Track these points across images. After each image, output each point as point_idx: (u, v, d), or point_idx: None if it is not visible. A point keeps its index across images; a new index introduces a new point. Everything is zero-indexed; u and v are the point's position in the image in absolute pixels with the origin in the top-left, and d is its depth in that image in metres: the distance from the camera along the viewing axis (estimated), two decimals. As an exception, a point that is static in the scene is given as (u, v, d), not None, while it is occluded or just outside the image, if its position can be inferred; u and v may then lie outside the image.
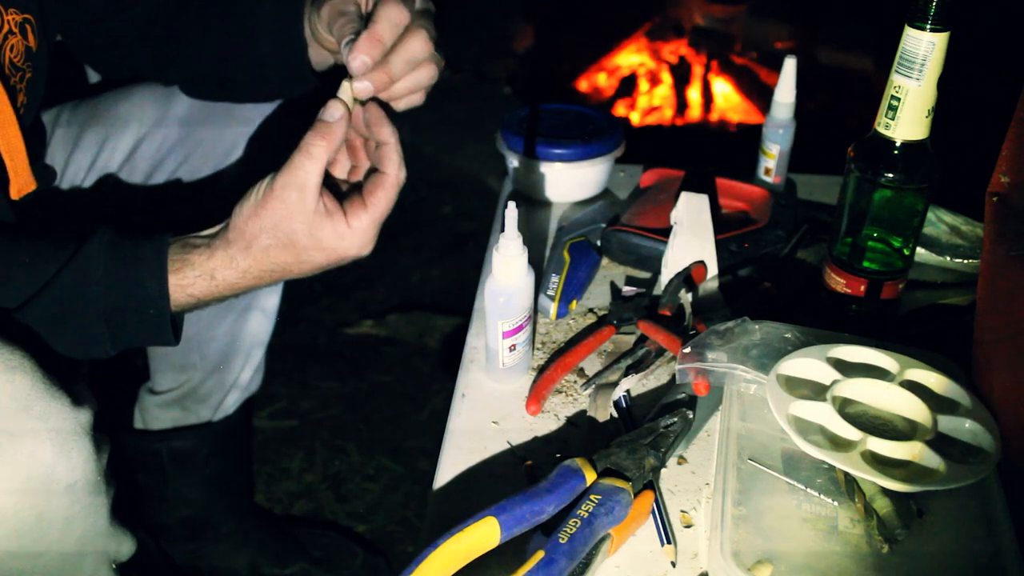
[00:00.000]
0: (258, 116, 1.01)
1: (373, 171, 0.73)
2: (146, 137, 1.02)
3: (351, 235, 0.71)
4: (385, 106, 0.74)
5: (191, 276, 0.72)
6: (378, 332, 1.78)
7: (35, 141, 0.88)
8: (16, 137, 0.78)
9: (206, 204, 1.04)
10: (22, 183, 0.80)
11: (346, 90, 0.72)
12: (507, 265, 0.78)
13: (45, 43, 0.83)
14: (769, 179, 1.12)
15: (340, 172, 0.77)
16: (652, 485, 0.70)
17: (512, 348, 0.81)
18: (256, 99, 0.99)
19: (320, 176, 0.69)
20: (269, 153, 1.03)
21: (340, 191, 0.75)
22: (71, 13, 0.88)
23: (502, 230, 0.77)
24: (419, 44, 0.73)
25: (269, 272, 0.73)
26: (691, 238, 0.94)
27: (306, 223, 0.70)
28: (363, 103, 0.73)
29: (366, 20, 0.75)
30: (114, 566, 0.73)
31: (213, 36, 0.90)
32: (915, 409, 0.71)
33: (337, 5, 0.78)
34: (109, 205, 1.02)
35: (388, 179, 0.71)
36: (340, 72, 0.75)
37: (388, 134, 0.71)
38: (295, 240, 0.70)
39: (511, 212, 0.76)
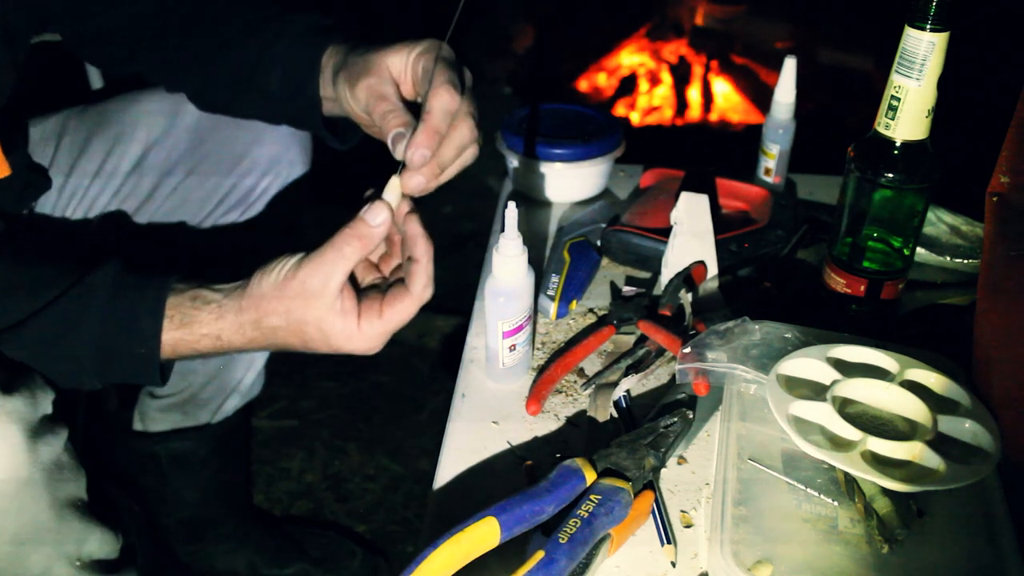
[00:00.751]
0: (268, 127, 1.00)
1: (400, 280, 0.72)
2: (155, 145, 1.01)
3: (360, 338, 0.70)
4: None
5: (198, 334, 0.71)
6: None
7: (11, 131, 0.86)
8: None
9: (212, 217, 1.05)
10: None
11: (394, 187, 0.70)
12: (507, 265, 0.78)
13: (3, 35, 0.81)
14: (769, 179, 1.12)
15: (372, 256, 0.77)
16: (652, 485, 0.70)
17: (512, 348, 0.81)
18: (266, 122, 0.98)
19: (345, 274, 0.68)
20: (278, 165, 1.04)
21: (361, 288, 0.74)
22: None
23: (502, 230, 0.77)
24: (467, 132, 0.72)
25: (274, 346, 0.72)
26: (691, 238, 0.94)
27: (319, 319, 0.69)
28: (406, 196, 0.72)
29: (411, 105, 0.74)
30: (79, 563, 0.71)
31: (228, 57, 0.88)
32: (915, 409, 0.71)
33: (375, 88, 0.75)
34: (114, 214, 1.02)
35: (411, 296, 0.70)
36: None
37: (422, 252, 0.70)
38: (305, 331, 0.70)
39: (511, 212, 0.76)
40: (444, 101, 0.70)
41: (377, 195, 0.71)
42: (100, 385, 0.74)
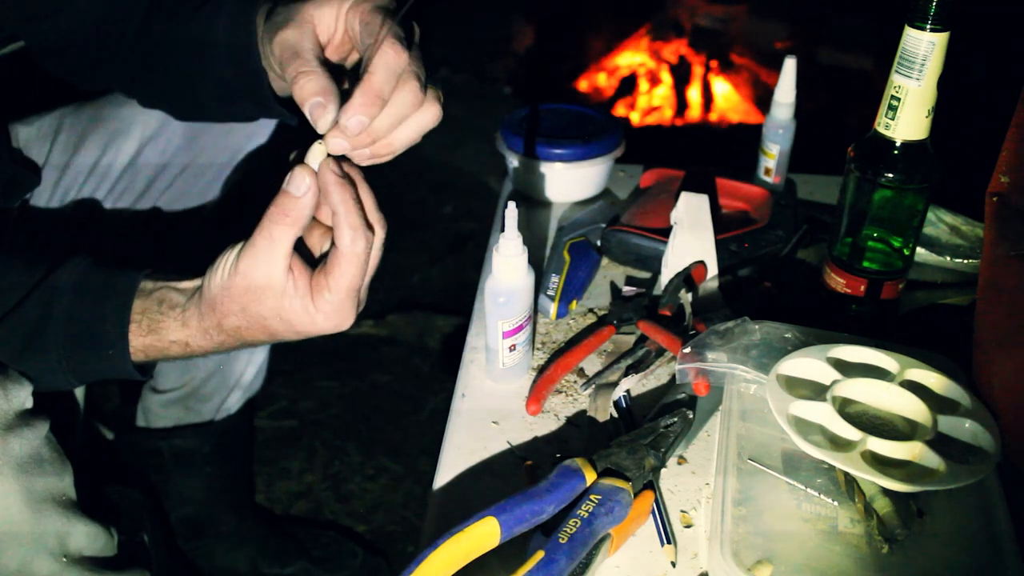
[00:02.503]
0: (263, 122, 1.00)
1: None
2: (150, 141, 1.01)
3: (322, 317, 0.64)
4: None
5: (166, 340, 0.68)
6: (378, 332, 1.78)
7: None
8: None
9: (207, 212, 1.04)
10: None
11: (317, 153, 0.63)
12: (507, 265, 0.78)
13: None
14: (769, 179, 1.12)
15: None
16: (652, 485, 0.70)
17: (512, 348, 0.81)
18: (238, 121, 0.94)
19: (287, 258, 0.63)
20: (272, 159, 1.03)
21: (316, 257, 0.68)
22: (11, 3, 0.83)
23: (502, 230, 0.77)
24: (410, 96, 0.63)
25: (245, 344, 0.68)
26: (691, 238, 0.94)
27: (275, 308, 0.64)
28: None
29: (350, 69, 0.68)
30: (65, 559, 0.69)
31: (179, 56, 0.83)
32: (915, 409, 0.71)
33: (290, 41, 0.67)
34: (108, 211, 1.02)
35: (342, 254, 0.62)
36: None
37: (336, 201, 0.62)
38: (266, 324, 0.65)
39: (511, 212, 0.76)
40: (389, 59, 0.61)
41: (299, 161, 0.63)
42: (79, 384, 0.72)
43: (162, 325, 0.68)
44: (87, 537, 0.70)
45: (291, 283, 0.63)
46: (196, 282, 0.68)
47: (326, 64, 0.66)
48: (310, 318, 0.64)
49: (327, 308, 0.64)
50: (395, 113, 0.63)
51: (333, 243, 0.63)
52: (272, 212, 0.62)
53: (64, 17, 0.84)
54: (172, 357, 0.70)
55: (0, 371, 0.67)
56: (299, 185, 0.62)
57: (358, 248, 0.62)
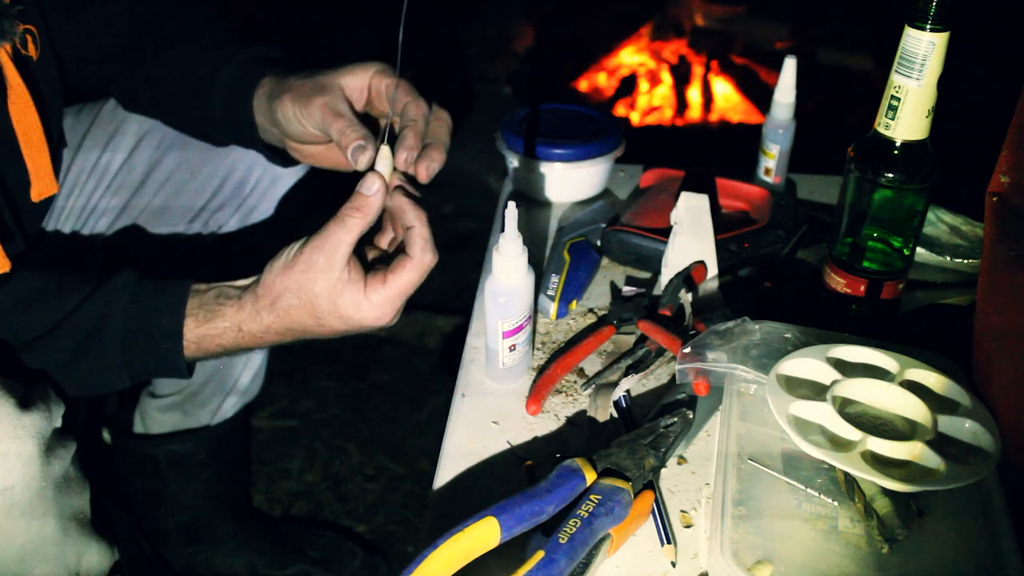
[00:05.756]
0: None
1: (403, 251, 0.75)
2: (146, 136, 1.02)
3: (368, 307, 0.72)
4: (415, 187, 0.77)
5: (221, 327, 0.75)
6: (378, 332, 1.78)
7: (58, 147, 0.90)
8: (40, 140, 0.80)
9: (207, 210, 1.05)
10: (43, 186, 0.82)
11: (385, 157, 0.75)
12: (507, 265, 0.78)
13: (51, 53, 0.84)
14: (769, 179, 1.12)
15: (384, 242, 0.80)
16: (652, 485, 0.70)
17: (512, 348, 0.81)
18: (216, 145, 0.99)
19: (350, 246, 0.71)
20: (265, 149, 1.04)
21: (368, 262, 0.77)
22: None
23: (502, 230, 0.77)
24: (444, 127, 0.79)
25: (290, 331, 0.75)
26: (691, 238, 0.94)
27: (328, 288, 0.71)
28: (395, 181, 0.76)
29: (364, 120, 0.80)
30: None
31: (174, 79, 0.91)
32: (915, 409, 0.71)
33: (331, 105, 0.79)
34: (107, 208, 1.02)
35: (411, 262, 0.72)
36: None
37: (413, 218, 0.73)
38: (316, 304, 0.72)
39: (511, 212, 0.76)
40: (424, 112, 0.79)
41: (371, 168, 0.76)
42: (130, 383, 0.77)
43: (218, 313, 0.75)
44: (99, 555, 0.73)
45: (347, 271, 0.72)
46: (251, 279, 0.76)
47: (359, 118, 0.80)
48: (355, 305, 0.72)
49: (377, 300, 0.72)
50: (441, 142, 0.79)
51: (403, 251, 0.73)
52: (345, 207, 0.72)
53: (89, 16, 0.91)
54: (224, 348, 0.76)
55: (43, 391, 0.68)
56: (371, 186, 0.72)
57: (426, 259, 0.73)
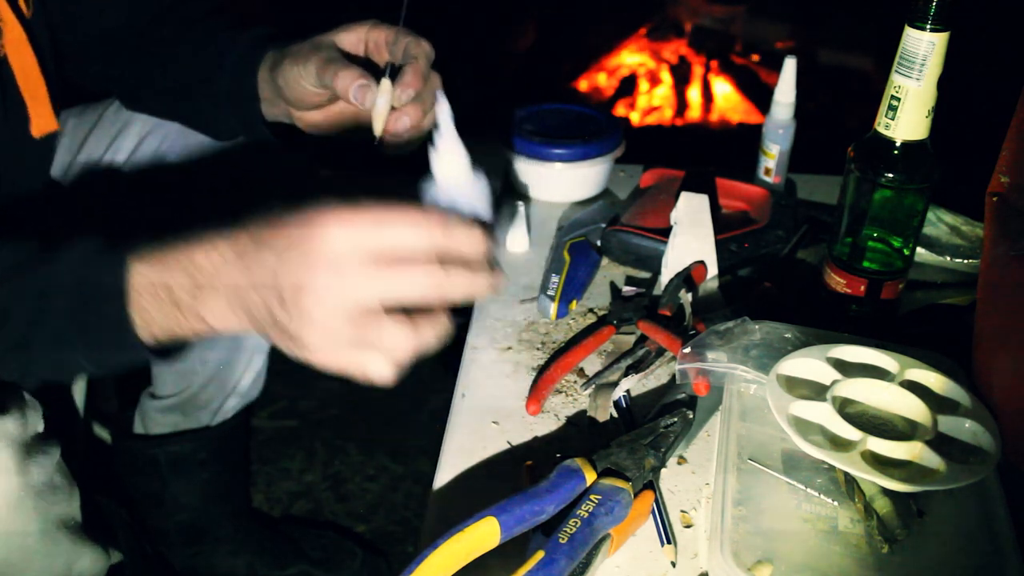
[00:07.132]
0: None
1: None
2: (149, 134, 1.02)
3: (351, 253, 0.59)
4: None
5: (173, 268, 0.60)
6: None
7: (60, 90, 0.88)
8: (37, 76, 0.79)
9: (205, 207, 1.05)
10: (43, 123, 0.82)
11: (385, 92, 0.76)
12: (446, 161, 0.71)
13: (44, 17, 0.84)
14: (769, 179, 1.12)
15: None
16: (652, 485, 0.70)
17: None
18: (217, 138, 0.98)
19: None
20: (263, 153, 1.03)
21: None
22: None
23: (436, 128, 0.70)
24: (438, 83, 0.79)
25: (246, 300, 0.61)
26: (691, 238, 0.94)
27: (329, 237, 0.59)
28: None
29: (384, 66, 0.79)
30: None
31: (179, 66, 0.91)
32: (915, 409, 0.71)
33: (326, 58, 0.79)
34: (109, 203, 1.02)
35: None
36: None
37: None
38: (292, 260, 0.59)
39: (443, 107, 0.70)
40: (427, 50, 0.78)
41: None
42: (94, 368, 0.65)
43: (170, 254, 0.60)
44: (92, 560, 0.71)
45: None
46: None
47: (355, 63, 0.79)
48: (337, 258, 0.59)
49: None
50: (431, 97, 0.78)
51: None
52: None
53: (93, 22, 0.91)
54: (178, 305, 0.60)
55: (17, 396, 0.65)
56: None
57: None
